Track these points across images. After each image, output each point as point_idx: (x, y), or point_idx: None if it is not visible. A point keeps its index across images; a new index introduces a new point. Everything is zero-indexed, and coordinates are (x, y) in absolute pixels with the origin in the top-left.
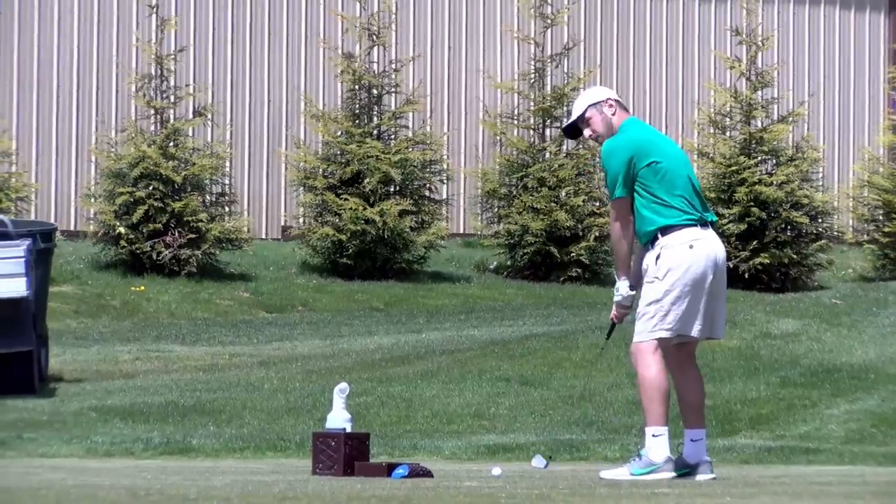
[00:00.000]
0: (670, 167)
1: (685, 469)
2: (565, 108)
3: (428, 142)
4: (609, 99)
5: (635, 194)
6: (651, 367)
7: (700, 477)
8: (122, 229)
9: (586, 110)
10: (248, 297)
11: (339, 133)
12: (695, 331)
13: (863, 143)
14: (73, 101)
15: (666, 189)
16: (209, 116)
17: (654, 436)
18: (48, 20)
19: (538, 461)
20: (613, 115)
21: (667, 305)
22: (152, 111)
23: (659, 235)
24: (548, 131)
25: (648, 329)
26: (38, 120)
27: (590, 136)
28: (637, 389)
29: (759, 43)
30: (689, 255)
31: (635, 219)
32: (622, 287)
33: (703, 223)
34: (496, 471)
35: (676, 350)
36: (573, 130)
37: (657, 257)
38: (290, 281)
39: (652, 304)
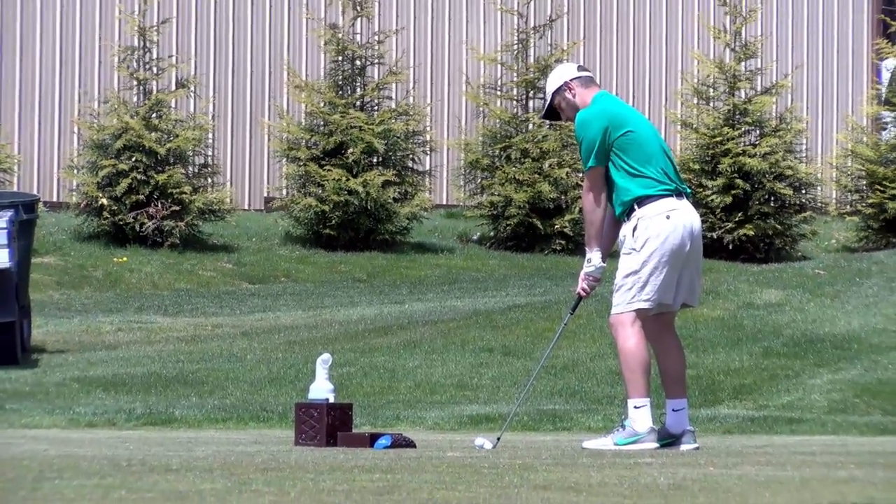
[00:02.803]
0: (644, 137)
1: (668, 439)
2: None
3: (411, 113)
4: (567, 82)
5: (610, 165)
6: (631, 339)
7: (683, 447)
8: (104, 201)
9: (553, 98)
10: (230, 268)
11: (322, 104)
12: (673, 300)
13: (847, 113)
14: (56, 72)
15: (641, 159)
16: (192, 88)
17: (636, 407)
18: None
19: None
20: (575, 97)
21: (645, 276)
22: (135, 83)
23: (635, 206)
24: (531, 103)
25: (627, 300)
26: (21, 91)
27: (566, 120)
28: (618, 361)
29: (745, 14)
30: (666, 225)
31: (612, 189)
32: (594, 258)
33: (679, 194)
34: (479, 441)
35: (655, 320)
36: (552, 114)
37: (634, 228)
38: (272, 252)
39: (630, 275)
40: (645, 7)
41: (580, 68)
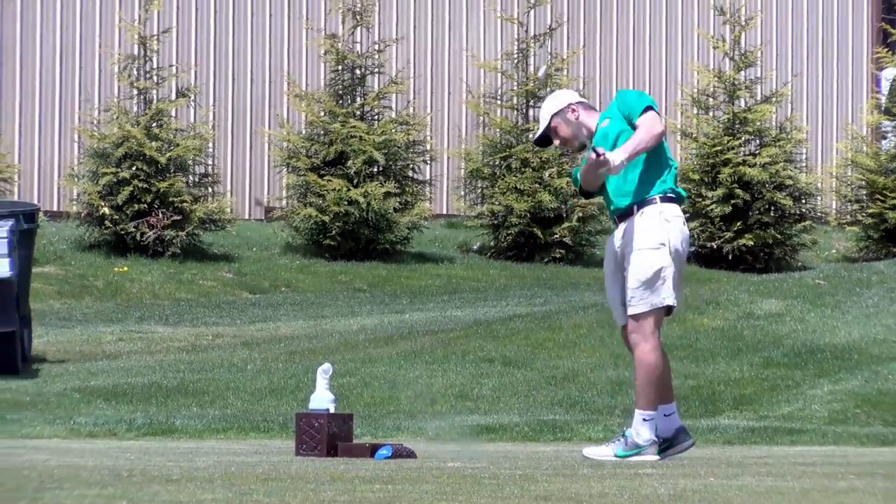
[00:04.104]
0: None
1: (664, 444)
2: (549, 89)
3: (411, 122)
4: (570, 104)
5: None
6: (657, 350)
7: (681, 445)
8: (106, 209)
9: (551, 120)
10: (231, 278)
11: (322, 113)
12: (616, 318)
13: (847, 122)
14: (56, 80)
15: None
16: (192, 97)
17: (644, 420)
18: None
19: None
20: (578, 118)
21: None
22: (136, 91)
23: None
24: (531, 112)
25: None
26: (22, 99)
27: (558, 144)
28: (632, 371)
29: (744, 23)
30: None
31: None
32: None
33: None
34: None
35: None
36: (543, 140)
37: None
38: (273, 261)
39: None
40: (644, 17)
41: (580, 96)
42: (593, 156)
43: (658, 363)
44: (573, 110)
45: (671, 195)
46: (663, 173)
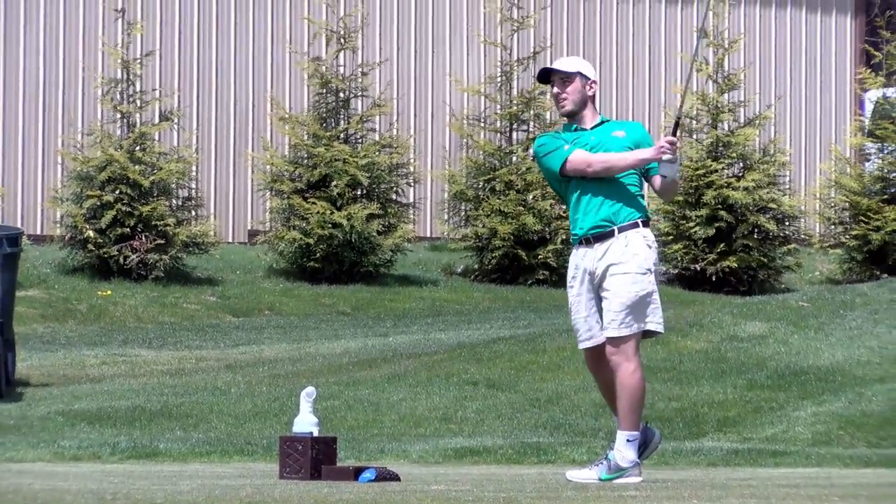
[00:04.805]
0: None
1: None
2: (532, 112)
3: (395, 145)
4: (595, 82)
5: None
6: (639, 370)
7: (654, 442)
8: (90, 233)
9: (576, 73)
10: (214, 301)
11: (306, 136)
12: (583, 340)
13: (830, 144)
14: (39, 104)
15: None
16: (176, 121)
17: (628, 440)
18: (14, 23)
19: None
20: (589, 96)
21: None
22: (119, 115)
23: None
24: (515, 135)
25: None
26: (5, 122)
27: (556, 93)
28: (618, 392)
29: (727, 45)
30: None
31: None
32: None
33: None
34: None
35: (595, 351)
36: (547, 76)
37: None
38: (256, 285)
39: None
40: (628, 40)
41: None
42: (668, 144)
43: (641, 384)
44: (592, 88)
45: (647, 219)
46: (639, 196)
